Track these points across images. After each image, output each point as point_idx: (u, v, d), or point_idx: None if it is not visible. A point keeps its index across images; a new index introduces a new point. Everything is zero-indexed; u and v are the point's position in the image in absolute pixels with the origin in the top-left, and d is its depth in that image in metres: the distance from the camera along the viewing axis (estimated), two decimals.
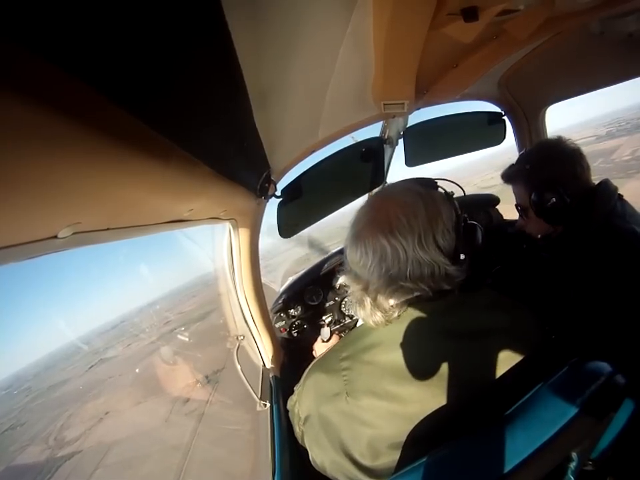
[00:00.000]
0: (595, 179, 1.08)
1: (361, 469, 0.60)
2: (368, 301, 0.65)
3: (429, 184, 0.74)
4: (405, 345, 0.63)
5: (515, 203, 1.18)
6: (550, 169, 1.04)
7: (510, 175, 1.16)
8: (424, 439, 0.57)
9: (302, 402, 0.71)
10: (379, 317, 0.65)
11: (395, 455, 0.58)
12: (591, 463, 0.56)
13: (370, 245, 0.64)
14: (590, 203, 1.01)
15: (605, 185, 1.04)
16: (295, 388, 0.79)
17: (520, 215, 1.19)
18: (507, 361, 0.62)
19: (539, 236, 1.14)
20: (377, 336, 0.66)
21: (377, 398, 0.60)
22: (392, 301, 0.65)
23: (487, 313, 0.66)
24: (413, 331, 0.64)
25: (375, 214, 0.67)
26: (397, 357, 0.62)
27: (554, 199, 1.02)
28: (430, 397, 0.59)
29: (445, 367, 0.60)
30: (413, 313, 0.64)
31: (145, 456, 9.84)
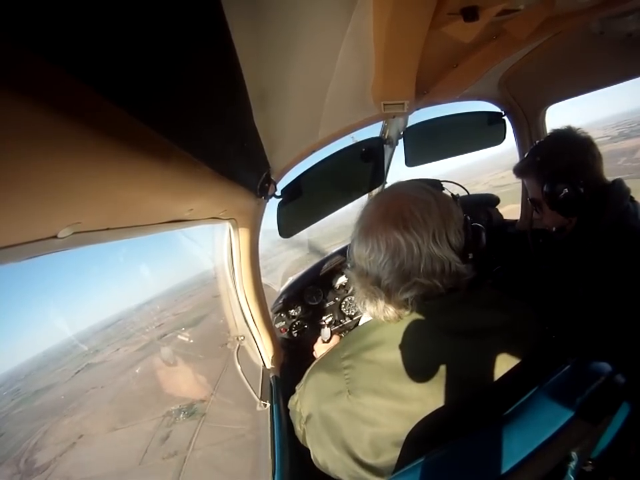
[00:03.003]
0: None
1: (363, 466, 0.60)
2: (382, 295, 0.64)
3: (436, 184, 0.73)
4: (407, 344, 0.63)
5: (529, 197, 1.16)
6: (561, 160, 1.03)
7: (521, 169, 1.15)
8: (425, 437, 0.57)
9: (303, 401, 0.71)
10: (391, 312, 0.64)
11: (398, 452, 0.58)
12: (590, 462, 0.56)
13: (383, 240, 0.63)
14: (603, 200, 1.00)
15: (619, 185, 1.03)
16: (296, 387, 0.78)
17: (534, 209, 1.18)
18: (506, 359, 0.62)
19: (554, 229, 1.13)
20: (379, 334, 0.66)
21: (378, 396, 0.60)
22: (406, 295, 0.63)
23: (488, 312, 0.66)
24: (415, 329, 0.63)
25: (387, 209, 0.66)
26: (398, 355, 0.62)
27: (567, 189, 1.00)
28: (431, 395, 0.59)
29: (446, 366, 0.60)
30: (421, 310, 0.64)
31: None
